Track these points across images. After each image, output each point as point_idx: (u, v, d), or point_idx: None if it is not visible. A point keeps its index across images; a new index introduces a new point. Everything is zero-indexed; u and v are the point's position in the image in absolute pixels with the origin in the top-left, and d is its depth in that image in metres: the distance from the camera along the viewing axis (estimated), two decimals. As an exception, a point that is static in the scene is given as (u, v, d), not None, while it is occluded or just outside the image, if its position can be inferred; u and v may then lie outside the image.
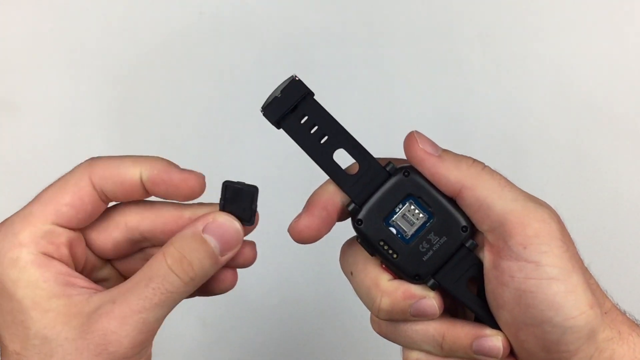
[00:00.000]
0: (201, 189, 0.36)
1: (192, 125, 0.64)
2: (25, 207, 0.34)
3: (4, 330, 0.32)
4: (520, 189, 0.34)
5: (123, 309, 0.31)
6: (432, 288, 0.35)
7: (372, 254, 0.36)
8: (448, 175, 0.34)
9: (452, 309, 0.37)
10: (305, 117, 0.35)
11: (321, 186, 0.36)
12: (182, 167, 0.36)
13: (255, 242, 0.66)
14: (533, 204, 0.33)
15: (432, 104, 0.63)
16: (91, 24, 0.64)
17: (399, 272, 0.35)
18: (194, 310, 0.63)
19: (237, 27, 0.64)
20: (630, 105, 0.63)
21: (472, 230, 0.35)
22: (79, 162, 0.35)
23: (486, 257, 0.34)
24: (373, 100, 0.64)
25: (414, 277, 0.35)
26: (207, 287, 0.37)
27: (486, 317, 0.35)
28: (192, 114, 0.64)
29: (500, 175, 0.34)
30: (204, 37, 0.64)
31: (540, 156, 0.63)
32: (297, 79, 0.36)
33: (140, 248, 0.36)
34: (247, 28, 0.64)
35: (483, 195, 0.33)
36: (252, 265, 0.63)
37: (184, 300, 0.64)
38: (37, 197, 0.35)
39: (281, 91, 0.36)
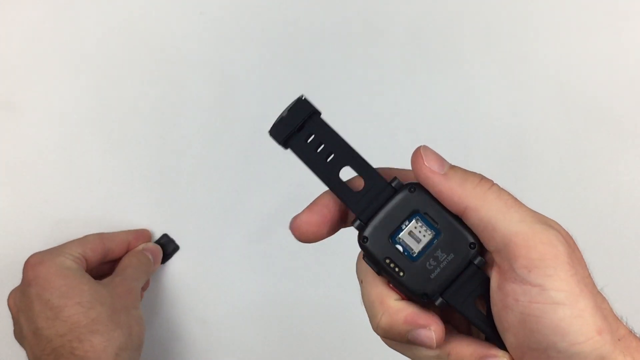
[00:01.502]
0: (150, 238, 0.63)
1: (192, 125, 0.64)
2: (63, 243, 0.58)
3: (60, 298, 0.52)
4: (529, 209, 0.33)
5: (126, 278, 0.57)
6: (440, 307, 0.34)
7: (378, 273, 0.35)
8: (452, 195, 0.33)
9: (463, 324, 0.37)
10: (312, 136, 0.35)
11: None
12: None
13: (254, 242, 0.66)
14: (540, 226, 0.32)
15: (432, 104, 0.63)
16: (91, 24, 0.64)
17: (406, 290, 0.34)
18: (194, 311, 0.63)
19: (237, 27, 0.64)
20: (631, 105, 0.63)
21: (481, 247, 0.34)
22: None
23: (493, 277, 0.33)
24: (372, 100, 0.64)
25: (422, 296, 0.34)
26: None
27: (494, 337, 0.34)
28: (192, 114, 0.64)
29: (508, 194, 0.33)
30: (204, 37, 0.64)
31: (540, 156, 0.63)
32: (303, 98, 0.35)
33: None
34: (247, 28, 0.64)
35: (487, 217, 0.32)
36: (253, 265, 0.63)
37: (184, 301, 0.64)
38: (71, 240, 0.58)
39: (288, 111, 0.36)
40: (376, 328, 0.35)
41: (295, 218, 0.36)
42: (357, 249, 0.35)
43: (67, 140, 0.63)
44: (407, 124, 0.63)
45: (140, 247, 0.60)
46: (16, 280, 0.56)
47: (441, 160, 0.34)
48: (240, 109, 0.64)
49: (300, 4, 0.64)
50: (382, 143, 0.63)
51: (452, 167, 0.34)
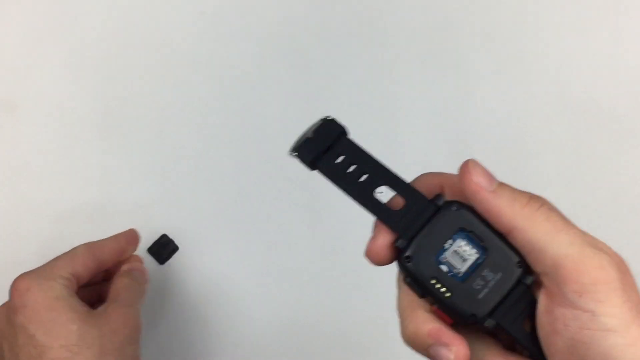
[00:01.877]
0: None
1: (191, 125, 0.64)
2: (52, 261, 0.52)
3: (45, 336, 0.47)
4: (579, 230, 0.32)
5: (122, 305, 0.51)
6: (490, 328, 0.33)
7: (422, 295, 0.34)
8: (499, 213, 0.32)
9: (506, 341, 0.36)
10: (341, 157, 0.34)
11: None
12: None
13: (254, 242, 0.66)
14: (591, 249, 0.31)
15: (432, 104, 0.63)
16: (91, 24, 0.64)
17: (453, 312, 0.33)
18: (194, 311, 0.63)
19: (237, 27, 0.64)
20: (631, 105, 0.63)
21: (527, 266, 0.33)
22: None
23: (540, 299, 0.32)
24: (372, 100, 0.64)
25: (470, 317, 0.33)
26: None
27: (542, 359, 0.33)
28: (192, 113, 0.64)
29: (558, 215, 0.32)
30: (204, 37, 0.64)
31: (540, 156, 0.63)
32: (330, 118, 0.34)
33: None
34: (247, 28, 0.64)
35: (535, 238, 0.32)
36: (255, 267, 0.63)
37: (184, 301, 0.64)
38: (59, 257, 0.52)
39: (313, 132, 0.34)
40: (402, 334, 0.35)
41: (370, 246, 0.35)
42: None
43: (67, 140, 0.63)
44: (406, 124, 0.63)
45: (126, 267, 0.56)
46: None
47: (490, 176, 0.33)
48: (240, 109, 0.64)
49: (301, 4, 0.64)
50: (380, 144, 0.63)
51: (501, 184, 0.33)
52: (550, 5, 0.64)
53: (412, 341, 0.34)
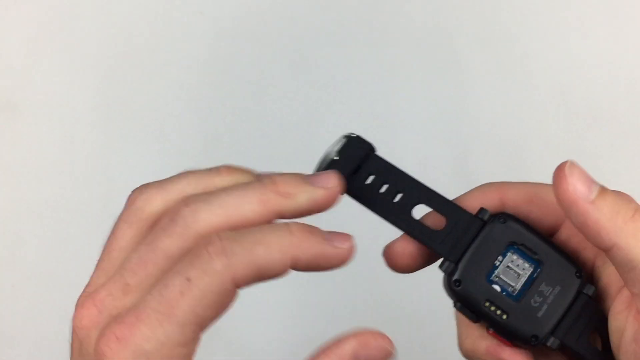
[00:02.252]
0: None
1: (192, 125, 0.64)
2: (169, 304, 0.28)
3: None
4: None
5: None
6: (555, 348, 0.30)
7: (475, 320, 0.30)
8: (598, 229, 0.28)
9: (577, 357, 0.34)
10: (372, 177, 0.31)
11: None
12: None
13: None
14: None
15: (431, 105, 0.63)
16: (91, 24, 0.64)
17: (512, 335, 0.30)
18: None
19: (237, 27, 0.64)
20: (631, 106, 0.63)
21: (588, 274, 0.30)
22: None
23: (630, 322, 0.29)
24: (372, 101, 0.63)
25: (531, 339, 0.30)
26: None
27: None
28: (192, 114, 0.64)
29: None
30: (204, 37, 0.64)
31: (540, 156, 0.63)
32: (354, 135, 0.31)
33: None
34: (247, 28, 0.64)
35: (637, 259, 0.27)
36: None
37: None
38: (178, 294, 0.28)
39: (337, 152, 0.30)
40: (459, 348, 0.32)
41: (390, 245, 0.31)
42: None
43: (67, 140, 0.63)
44: (405, 124, 0.63)
45: (348, 349, 0.29)
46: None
47: (589, 181, 0.28)
48: (240, 110, 0.64)
49: (300, 5, 0.64)
50: (379, 145, 0.63)
51: (602, 191, 0.28)
52: (549, 5, 0.64)
53: (470, 357, 0.32)
